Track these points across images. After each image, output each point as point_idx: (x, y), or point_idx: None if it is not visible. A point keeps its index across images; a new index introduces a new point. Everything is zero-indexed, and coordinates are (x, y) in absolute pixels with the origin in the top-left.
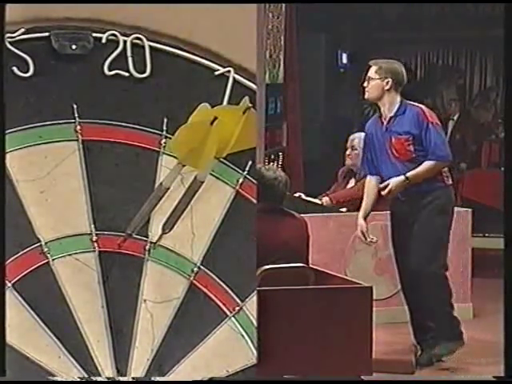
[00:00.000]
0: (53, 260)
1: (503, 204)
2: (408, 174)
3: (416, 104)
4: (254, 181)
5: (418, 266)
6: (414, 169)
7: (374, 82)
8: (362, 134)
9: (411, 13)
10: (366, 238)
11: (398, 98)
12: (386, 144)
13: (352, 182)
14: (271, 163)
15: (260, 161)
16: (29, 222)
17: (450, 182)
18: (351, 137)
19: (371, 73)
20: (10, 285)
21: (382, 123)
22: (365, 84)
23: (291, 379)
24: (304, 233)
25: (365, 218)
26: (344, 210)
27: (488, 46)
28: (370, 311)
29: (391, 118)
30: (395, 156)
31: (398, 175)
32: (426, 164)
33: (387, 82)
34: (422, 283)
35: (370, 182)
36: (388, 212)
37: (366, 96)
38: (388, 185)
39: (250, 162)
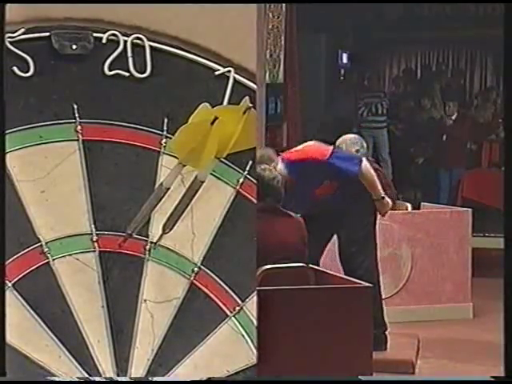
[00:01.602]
0: (53, 260)
1: (503, 204)
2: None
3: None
4: (254, 181)
5: None
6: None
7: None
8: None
9: (411, 13)
10: None
11: None
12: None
13: None
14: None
15: None
16: (29, 222)
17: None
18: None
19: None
20: (10, 285)
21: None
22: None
23: (291, 379)
24: (302, 232)
25: None
26: None
27: (488, 46)
28: (370, 311)
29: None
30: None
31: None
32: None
33: None
34: None
35: None
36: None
37: None
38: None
39: (250, 162)
